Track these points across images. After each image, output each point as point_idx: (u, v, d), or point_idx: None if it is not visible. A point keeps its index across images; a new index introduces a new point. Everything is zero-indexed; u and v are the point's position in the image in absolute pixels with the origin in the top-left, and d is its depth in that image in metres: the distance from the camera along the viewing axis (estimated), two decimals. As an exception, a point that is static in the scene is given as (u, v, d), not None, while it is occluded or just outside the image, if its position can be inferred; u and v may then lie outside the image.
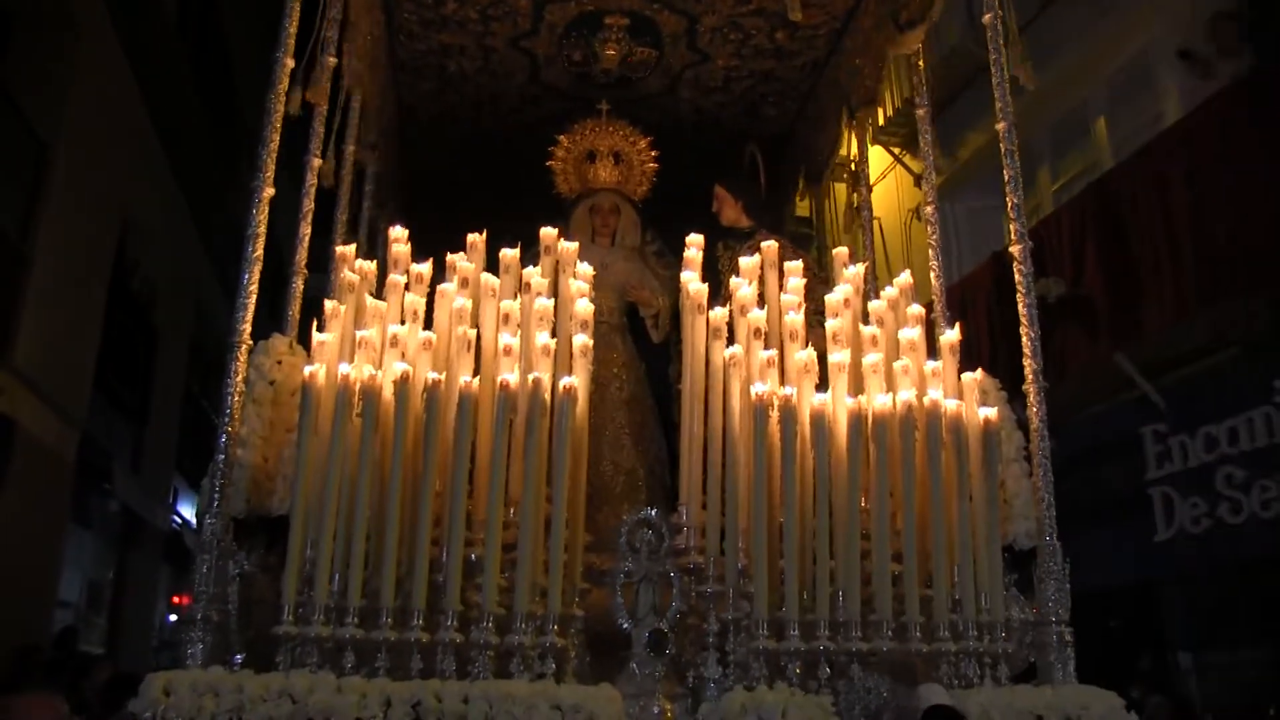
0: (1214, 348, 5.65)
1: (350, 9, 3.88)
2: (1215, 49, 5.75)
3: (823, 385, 3.13)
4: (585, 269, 3.47)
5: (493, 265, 3.43)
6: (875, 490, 2.98)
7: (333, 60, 3.71)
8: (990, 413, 3.11)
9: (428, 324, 3.18)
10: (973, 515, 3.01)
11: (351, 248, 3.50)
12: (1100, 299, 5.92)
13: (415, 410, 2.93)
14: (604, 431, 4.32)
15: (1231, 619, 5.89)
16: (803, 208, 6.42)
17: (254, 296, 3.10)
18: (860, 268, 3.64)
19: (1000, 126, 3.37)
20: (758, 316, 3.27)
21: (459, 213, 3.91)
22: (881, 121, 4.37)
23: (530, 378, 2.95)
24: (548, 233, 3.59)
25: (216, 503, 2.91)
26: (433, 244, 3.49)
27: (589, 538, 3.22)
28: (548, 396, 2.94)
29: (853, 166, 5.12)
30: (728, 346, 3.24)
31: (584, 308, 3.28)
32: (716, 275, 4.13)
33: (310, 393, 2.91)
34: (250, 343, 3.10)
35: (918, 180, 8.65)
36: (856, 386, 3.16)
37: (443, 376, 2.93)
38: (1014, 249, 3.34)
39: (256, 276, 3.11)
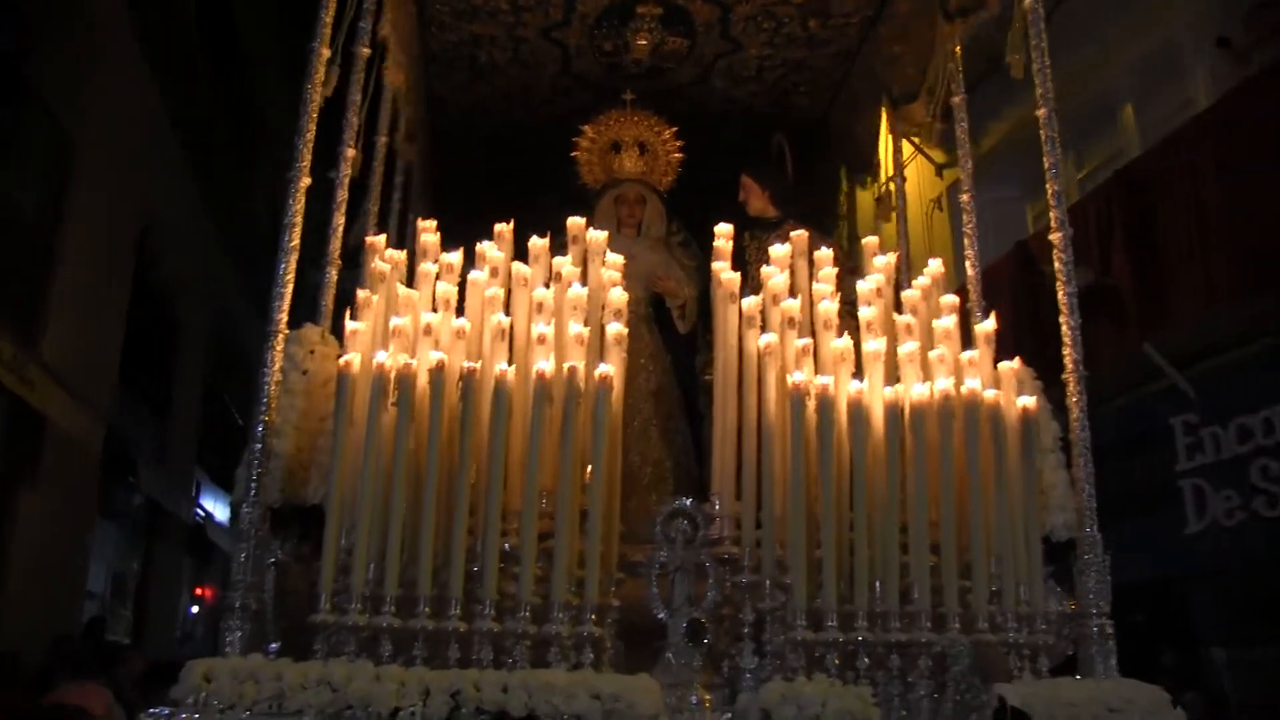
0: (1246, 338, 5.57)
1: (383, 1, 3.88)
2: (1254, 38, 5.67)
3: (854, 375, 3.10)
4: (615, 258, 3.45)
5: (520, 256, 3.41)
6: (913, 480, 2.96)
7: (366, 51, 3.71)
8: (1029, 402, 3.08)
9: (459, 314, 3.18)
10: (1011, 506, 2.97)
11: (382, 238, 3.49)
12: (1128, 288, 5.86)
13: (450, 399, 2.92)
14: (631, 422, 4.30)
15: (1265, 614, 5.81)
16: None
17: (290, 286, 3.09)
18: (891, 257, 3.60)
19: (1041, 113, 3.33)
20: (791, 305, 3.25)
21: (483, 205, 3.90)
22: (929, 114, 4.32)
23: (566, 367, 2.94)
24: (575, 222, 3.58)
25: (254, 491, 2.91)
26: (458, 236, 3.48)
27: (620, 528, 3.20)
28: (583, 385, 2.93)
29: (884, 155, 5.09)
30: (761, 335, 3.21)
31: (618, 296, 3.26)
32: (745, 265, 4.10)
33: (346, 381, 2.91)
34: (286, 332, 3.10)
35: (939, 170, 8.62)
36: (891, 376, 3.13)
37: (478, 365, 2.92)
38: (1054, 236, 3.31)
39: (293, 266, 3.11)
